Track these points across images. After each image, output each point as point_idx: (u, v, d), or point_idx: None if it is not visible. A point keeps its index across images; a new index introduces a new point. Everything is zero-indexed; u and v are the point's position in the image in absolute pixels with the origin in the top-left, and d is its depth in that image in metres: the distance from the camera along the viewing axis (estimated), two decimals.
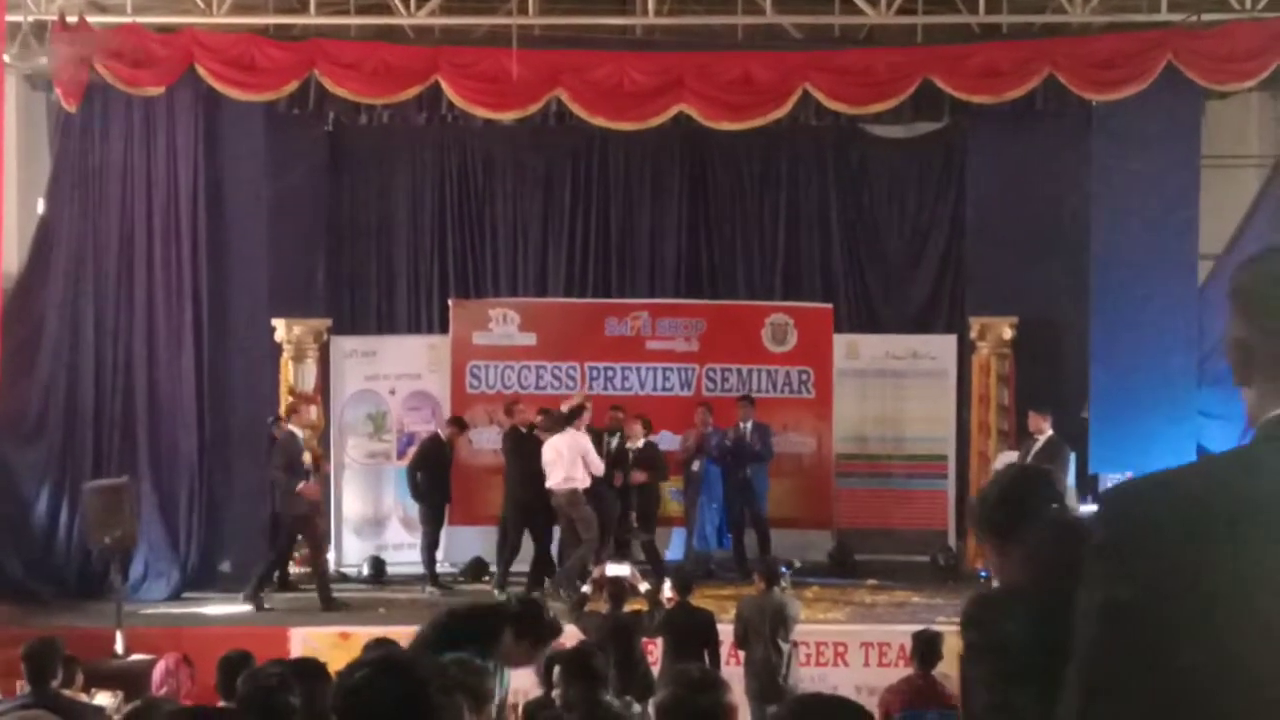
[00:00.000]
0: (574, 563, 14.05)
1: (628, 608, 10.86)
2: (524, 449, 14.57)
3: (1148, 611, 1.98)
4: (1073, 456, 14.10)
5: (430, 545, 14.99)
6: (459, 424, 15.29)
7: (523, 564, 14.76)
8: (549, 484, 14.22)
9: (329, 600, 14.00)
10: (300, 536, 14.48)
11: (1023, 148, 15.65)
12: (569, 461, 14.19)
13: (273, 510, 14.57)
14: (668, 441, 15.79)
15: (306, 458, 14.22)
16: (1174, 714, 1.96)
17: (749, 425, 15.35)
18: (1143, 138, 14.73)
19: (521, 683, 10.83)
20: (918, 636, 9.34)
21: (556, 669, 7.60)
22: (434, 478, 14.96)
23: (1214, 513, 1.99)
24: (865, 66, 15.01)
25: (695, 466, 15.50)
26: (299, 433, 14.30)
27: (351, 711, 2.85)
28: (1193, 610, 1.95)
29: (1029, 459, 13.94)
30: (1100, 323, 14.97)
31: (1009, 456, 14.54)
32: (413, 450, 15.41)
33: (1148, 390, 14.73)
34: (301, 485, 14.05)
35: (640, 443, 14.92)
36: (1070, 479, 13.84)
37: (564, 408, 14.72)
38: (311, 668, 5.83)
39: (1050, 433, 14.16)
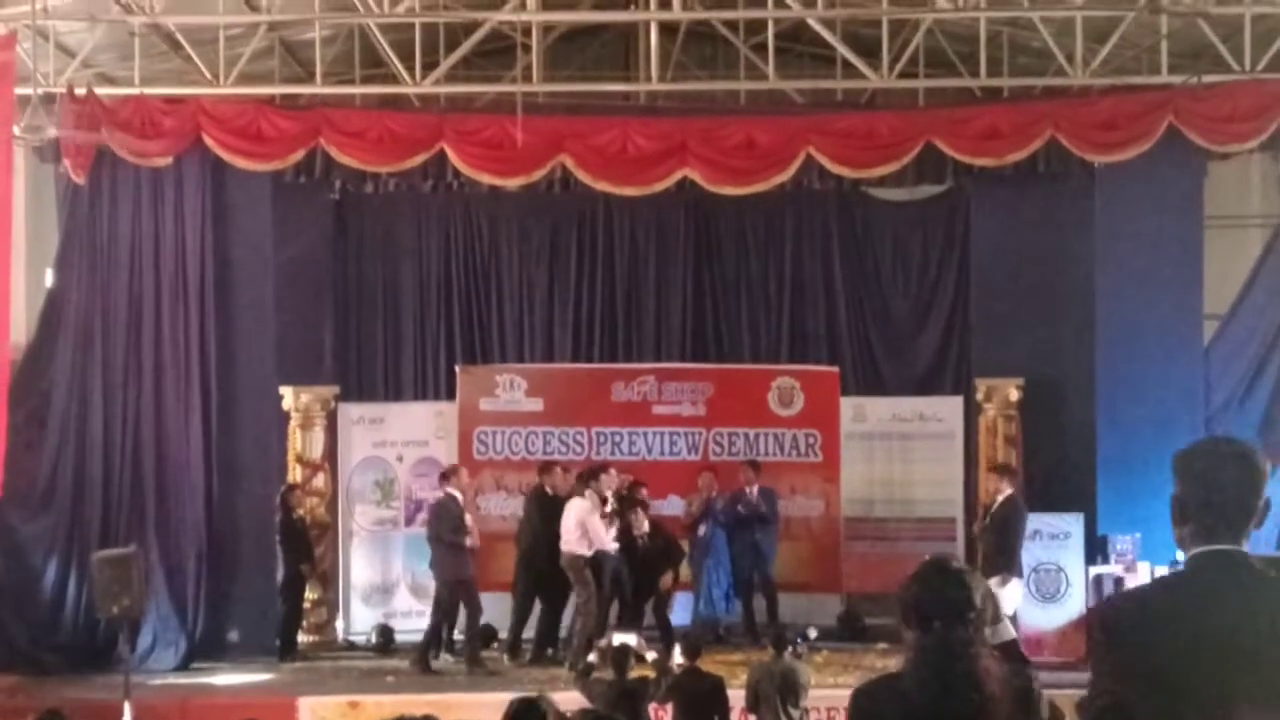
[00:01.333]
0: (578, 637, 14.08)
1: (635, 674, 10.82)
2: (546, 511, 14.56)
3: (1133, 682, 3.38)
4: (1027, 516, 14.19)
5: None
6: (452, 473, 15.21)
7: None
8: (562, 547, 14.25)
9: (477, 662, 14.07)
10: (461, 601, 14.41)
11: (1026, 210, 15.71)
12: (571, 526, 14.21)
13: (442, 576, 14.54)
14: (674, 506, 15.79)
15: (468, 520, 14.29)
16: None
17: (754, 490, 15.34)
18: (1146, 198, 14.80)
19: None
20: None
21: None
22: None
23: (1174, 626, 3.34)
24: (868, 130, 15.09)
25: (702, 531, 15.44)
26: (458, 495, 14.34)
27: None
28: (1152, 677, 3.35)
29: (988, 517, 14.12)
30: (1106, 383, 14.97)
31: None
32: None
33: (1155, 450, 14.62)
34: (470, 543, 14.23)
35: (645, 526, 14.90)
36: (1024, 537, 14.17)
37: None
38: None
39: (1009, 491, 14.20)
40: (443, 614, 14.53)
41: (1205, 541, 3.45)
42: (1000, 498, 14.23)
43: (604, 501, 14.52)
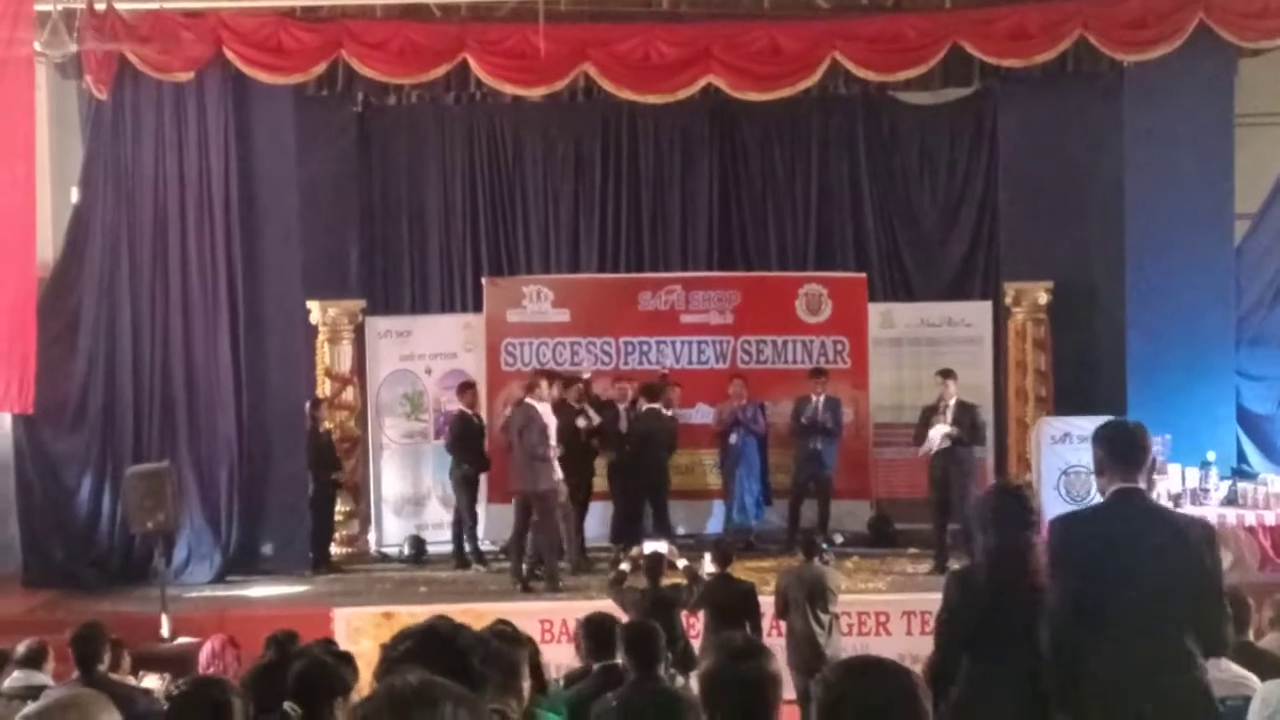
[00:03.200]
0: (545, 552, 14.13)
1: (668, 582, 10.88)
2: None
3: (1070, 569, 5.39)
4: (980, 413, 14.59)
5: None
6: (469, 388, 15.26)
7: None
8: None
9: (555, 582, 13.81)
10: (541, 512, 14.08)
11: (1054, 111, 15.57)
12: None
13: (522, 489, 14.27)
14: (703, 414, 15.84)
15: (550, 430, 14.06)
16: (1079, 596, 5.31)
17: (821, 399, 15.32)
18: (1176, 98, 14.61)
19: (560, 656, 10.95)
20: None
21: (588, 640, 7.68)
22: (465, 452, 15.02)
23: (1099, 537, 5.31)
24: (894, 33, 14.92)
25: (733, 439, 15.47)
26: (539, 406, 14.00)
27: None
28: (1083, 569, 5.34)
29: (947, 419, 14.17)
30: (1136, 285, 14.88)
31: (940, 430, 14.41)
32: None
33: (1185, 352, 14.66)
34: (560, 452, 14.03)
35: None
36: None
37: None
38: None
39: (956, 397, 14.28)
40: (551, 525, 14.10)
41: (1120, 482, 5.41)
42: (951, 402, 14.23)
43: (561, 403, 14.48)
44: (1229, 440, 14.96)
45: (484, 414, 15.32)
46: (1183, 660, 5.24)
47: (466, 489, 15.08)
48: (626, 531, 14.63)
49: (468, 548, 15.12)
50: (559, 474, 14.01)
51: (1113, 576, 5.20)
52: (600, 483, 15.40)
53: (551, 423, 14.02)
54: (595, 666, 7.58)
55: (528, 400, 14.08)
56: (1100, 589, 5.23)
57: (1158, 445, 14.27)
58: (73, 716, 3.42)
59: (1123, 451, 5.43)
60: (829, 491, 15.41)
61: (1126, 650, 5.27)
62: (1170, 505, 12.01)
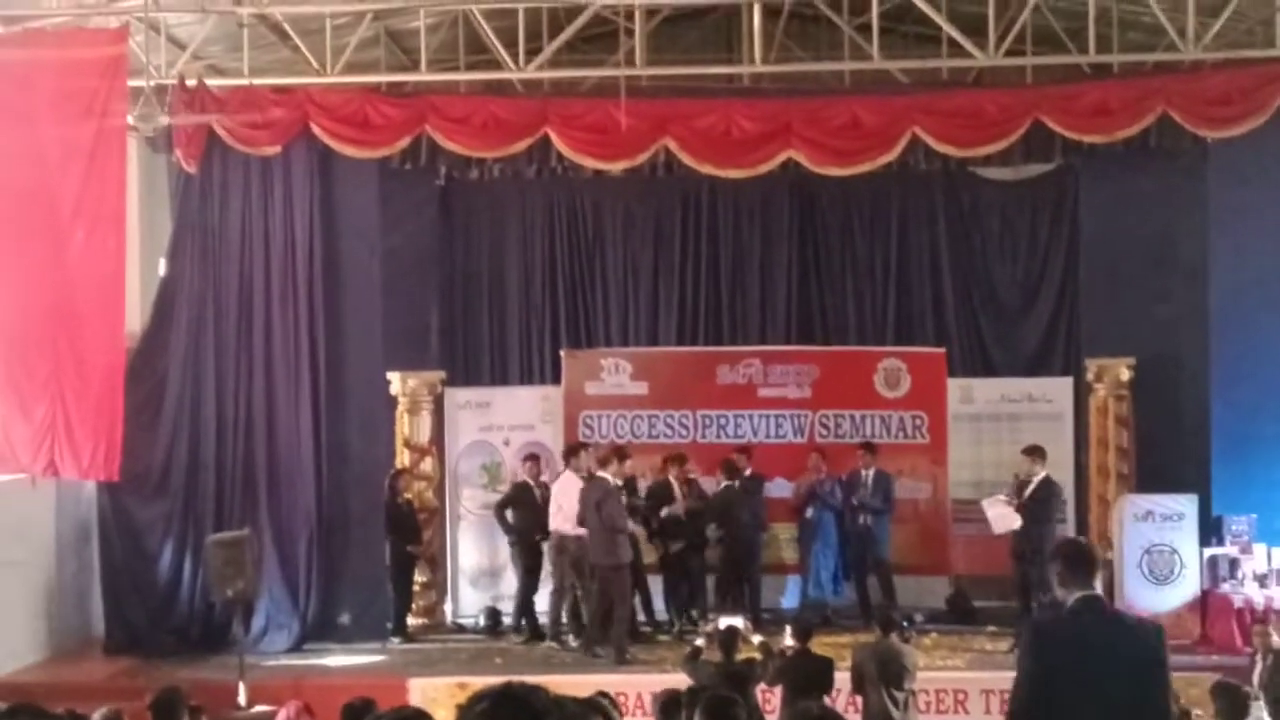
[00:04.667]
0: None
1: (742, 657, 10.83)
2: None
3: (1040, 672, 5.86)
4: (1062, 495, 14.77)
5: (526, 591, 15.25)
6: (533, 459, 15.37)
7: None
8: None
9: (623, 654, 13.90)
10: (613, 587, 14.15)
11: (1136, 187, 15.46)
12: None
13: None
14: (781, 488, 15.77)
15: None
16: (1050, 697, 5.75)
17: (870, 473, 15.26)
18: (1260, 173, 14.53)
19: None
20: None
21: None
22: (523, 520, 15.07)
23: (1065, 645, 5.78)
24: (974, 109, 14.94)
25: (809, 514, 15.42)
26: (611, 480, 14.17)
27: None
28: (1053, 674, 5.76)
29: (1025, 499, 14.11)
30: (1221, 361, 14.73)
31: (999, 499, 14.47)
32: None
33: (1271, 429, 14.47)
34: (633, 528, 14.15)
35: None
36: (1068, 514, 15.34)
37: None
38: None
39: (1044, 473, 14.21)
40: (607, 599, 14.10)
41: (1080, 591, 5.96)
42: (1036, 480, 14.10)
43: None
44: None
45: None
46: None
47: (521, 558, 15.18)
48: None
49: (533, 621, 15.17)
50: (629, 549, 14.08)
51: (1082, 677, 5.79)
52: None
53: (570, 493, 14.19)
54: None
55: (600, 474, 14.13)
56: (1072, 689, 5.78)
57: (1243, 524, 14.13)
58: None
59: (1079, 565, 6.09)
60: (886, 567, 15.30)
61: None
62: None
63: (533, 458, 15.38)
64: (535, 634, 14.99)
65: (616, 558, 13.95)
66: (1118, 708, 5.79)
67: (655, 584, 15.37)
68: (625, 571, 14.08)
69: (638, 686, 12.51)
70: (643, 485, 15.52)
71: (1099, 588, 6.38)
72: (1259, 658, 11.42)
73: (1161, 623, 7.02)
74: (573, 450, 14.64)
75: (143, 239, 15.10)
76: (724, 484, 15.24)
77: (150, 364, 14.88)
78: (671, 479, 15.25)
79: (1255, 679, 10.84)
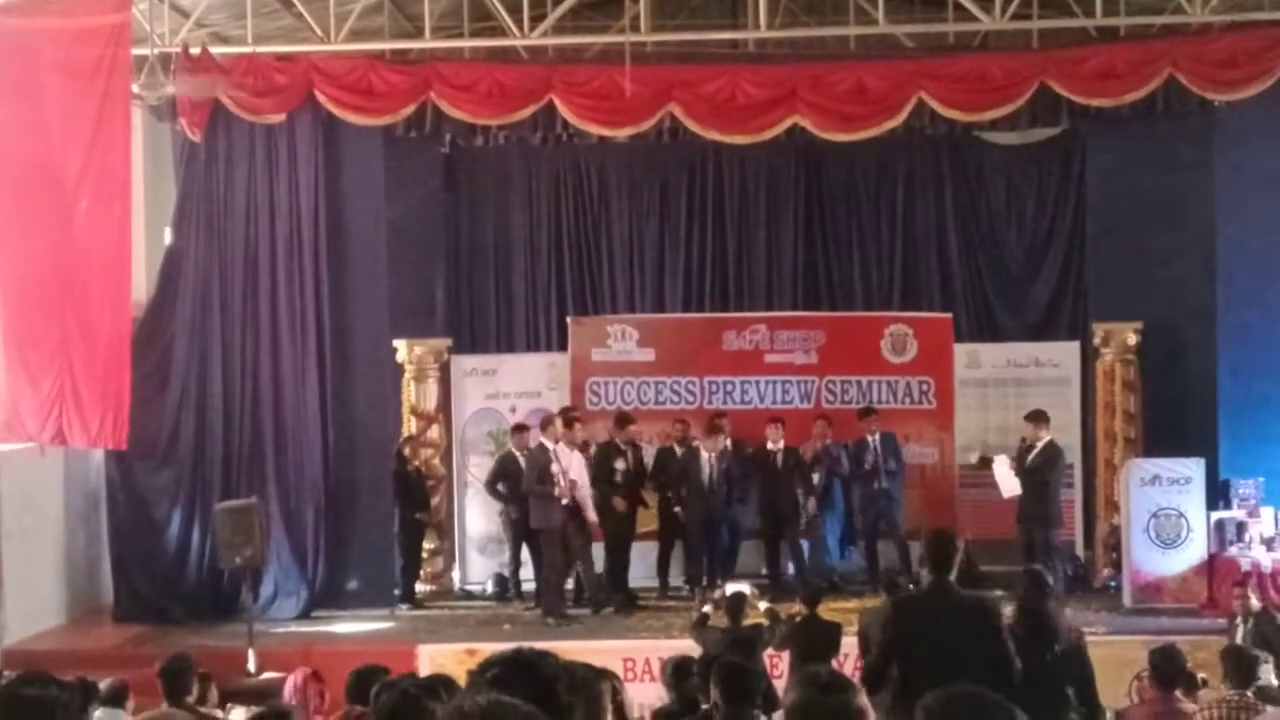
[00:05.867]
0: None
1: (749, 622, 10.87)
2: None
3: (898, 639, 7.21)
4: (1066, 460, 14.81)
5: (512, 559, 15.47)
6: (520, 430, 15.33)
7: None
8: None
9: (556, 612, 14.19)
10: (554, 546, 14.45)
11: (1143, 150, 15.41)
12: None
13: (524, 523, 14.79)
14: None
15: (555, 469, 14.25)
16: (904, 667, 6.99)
17: (876, 438, 15.25)
18: (1267, 136, 14.48)
19: (641, 695, 10.93)
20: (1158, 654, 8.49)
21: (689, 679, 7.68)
22: (514, 490, 15.07)
23: (917, 615, 7.35)
24: (980, 73, 14.87)
25: (815, 479, 15.39)
26: (549, 445, 14.35)
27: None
28: (908, 642, 7.11)
29: (1027, 464, 14.21)
30: (1228, 325, 14.71)
31: (1003, 461, 14.59)
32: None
33: (1278, 393, 14.45)
34: (557, 492, 14.20)
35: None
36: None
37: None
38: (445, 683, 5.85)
39: (1048, 437, 14.19)
40: (548, 561, 14.50)
41: (936, 575, 7.45)
42: (1040, 445, 14.09)
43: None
44: None
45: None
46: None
47: (513, 528, 15.31)
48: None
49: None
50: (560, 513, 14.31)
51: (931, 645, 7.00)
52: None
53: (570, 462, 14.27)
54: (703, 708, 7.62)
55: (542, 440, 14.42)
56: (923, 653, 6.96)
57: (1250, 488, 14.14)
58: None
59: (937, 554, 7.50)
60: (900, 530, 15.28)
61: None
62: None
63: (520, 428, 15.32)
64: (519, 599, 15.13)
65: (546, 522, 14.21)
66: (960, 669, 6.31)
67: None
68: (554, 535, 14.27)
69: (645, 652, 12.59)
70: (649, 453, 15.54)
71: (954, 574, 7.66)
72: (1239, 621, 11.45)
73: (998, 600, 8.49)
74: (548, 420, 14.81)
75: (148, 208, 15.11)
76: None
77: (157, 333, 14.89)
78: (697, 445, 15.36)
79: (1238, 639, 10.87)
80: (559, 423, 14.58)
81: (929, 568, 7.61)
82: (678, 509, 15.26)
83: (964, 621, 7.16)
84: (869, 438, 15.27)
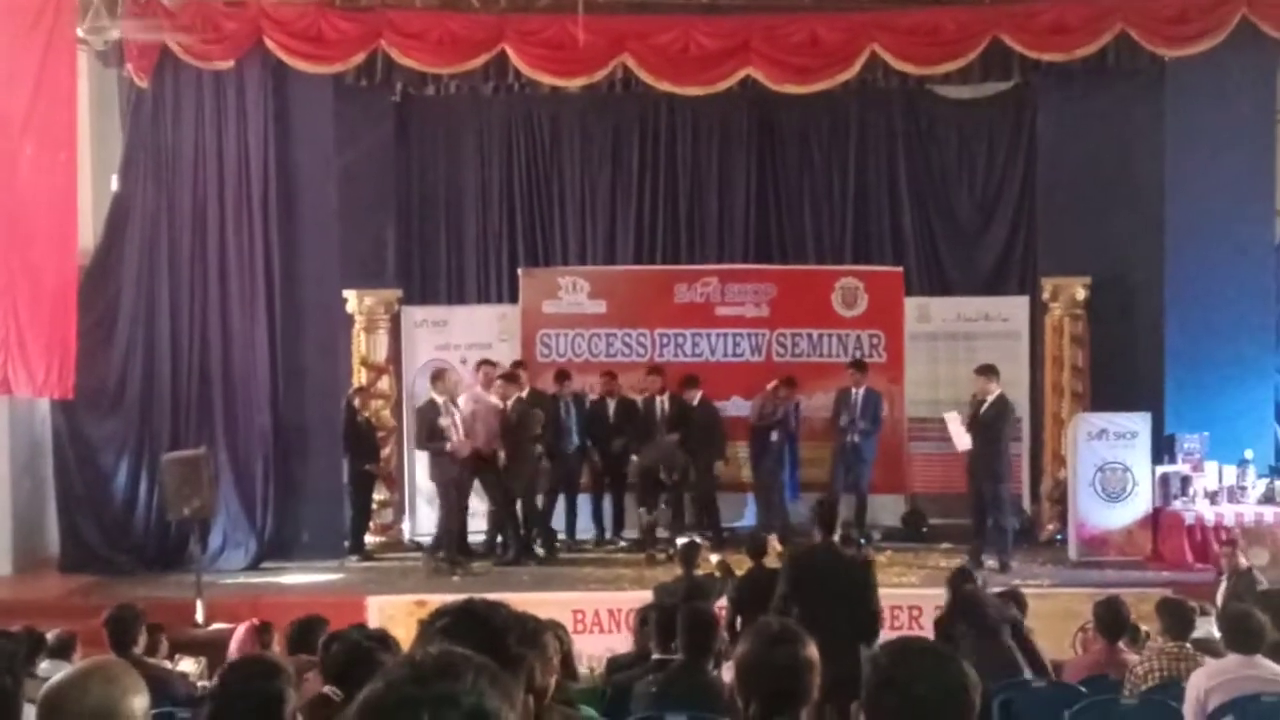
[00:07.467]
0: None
1: (702, 572, 10.93)
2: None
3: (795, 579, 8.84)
4: (1016, 414, 14.77)
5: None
6: (437, 377, 15.18)
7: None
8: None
9: (453, 563, 14.26)
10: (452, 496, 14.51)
11: (1094, 106, 15.46)
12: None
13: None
14: (738, 407, 15.78)
15: (444, 422, 14.23)
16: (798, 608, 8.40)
17: (860, 392, 15.20)
18: (1217, 93, 14.53)
19: (591, 646, 10.97)
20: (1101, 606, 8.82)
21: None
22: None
23: (807, 570, 8.96)
24: (933, 26, 14.88)
25: (774, 438, 15.31)
26: (439, 399, 14.34)
27: None
28: (800, 589, 8.72)
29: (979, 418, 14.12)
30: (1175, 281, 14.79)
31: (954, 417, 14.59)
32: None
33: (1224, 349, 14.57)
34: (450, 446, 14.20)
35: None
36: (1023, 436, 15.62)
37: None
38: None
39: (999, 391, 14.19)
40: (443, 513, 14.61)
41: (822, 534, 9.05)
42: (990, 399, 14.16)
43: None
44: (1267, 438, 14.88)
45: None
46: (850, 647, 7.41)
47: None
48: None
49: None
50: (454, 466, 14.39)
51: (816, 591, 8.60)
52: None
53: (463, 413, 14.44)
54: (655, 657, 7.66)
55: (432, 396, 14.48)
56: (812, 598, 8.51)
57: (1195, 442, 14.28)
58: (97, 679, 3.39)
59: (824, 518, 9.10)
60: (865, 487, 15.32)
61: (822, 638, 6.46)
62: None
63: (437, 375, 15.20)
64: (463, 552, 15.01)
65: (440, 475, 14.40)
66: (838, 612, 8.30)
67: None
68: (449, 488, 14.36)
69: (594, 604, 12.64)
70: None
71: (838, 536, 9.51)
72: (1224, 577, 11.57)
73: (870, 557, 11.03)
74: (438, 372, 14.96)
75: (94, 155, 14.92)
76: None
77: (104, 281, 14.75)
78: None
79: (1219, 597, 10.98)
80: (449, 376, 14.74)
81: (818, 528, 9.06)
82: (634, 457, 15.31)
83: (845, 573, 8.86)
84: (853, 390, 15.20)
